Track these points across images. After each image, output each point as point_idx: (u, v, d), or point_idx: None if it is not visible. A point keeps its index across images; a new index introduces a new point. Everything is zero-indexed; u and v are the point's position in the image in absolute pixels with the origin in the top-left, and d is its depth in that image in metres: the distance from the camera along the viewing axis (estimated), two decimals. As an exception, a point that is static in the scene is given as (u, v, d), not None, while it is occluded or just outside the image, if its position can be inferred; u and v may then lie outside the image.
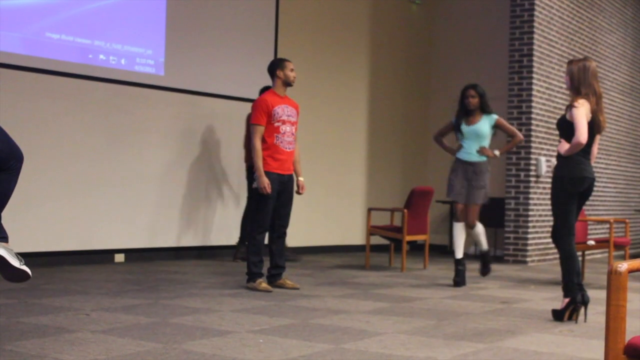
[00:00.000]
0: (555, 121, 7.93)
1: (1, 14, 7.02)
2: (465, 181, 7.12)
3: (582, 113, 5.15)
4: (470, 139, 7.12)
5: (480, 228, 7.18)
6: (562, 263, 5.28)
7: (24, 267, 3.42)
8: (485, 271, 7.41)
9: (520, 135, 7.32)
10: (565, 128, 5.27)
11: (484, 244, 7.29)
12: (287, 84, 6.46)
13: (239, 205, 9.09)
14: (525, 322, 5.12)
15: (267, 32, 9.60)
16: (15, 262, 3.38)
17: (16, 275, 3.43)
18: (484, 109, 7.15)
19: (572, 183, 5.23)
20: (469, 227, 7.12)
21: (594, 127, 5.24)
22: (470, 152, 7.14)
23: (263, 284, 6.25)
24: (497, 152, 7.17)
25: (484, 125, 7.12)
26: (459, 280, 7.02)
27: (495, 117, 7.16)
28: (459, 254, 7.09)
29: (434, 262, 9.51)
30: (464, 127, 7.11)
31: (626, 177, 13.17)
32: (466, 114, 7.16)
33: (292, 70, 6.46)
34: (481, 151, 7.10)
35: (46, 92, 7.42)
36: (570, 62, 5.38)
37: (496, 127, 7.18)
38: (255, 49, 9.41)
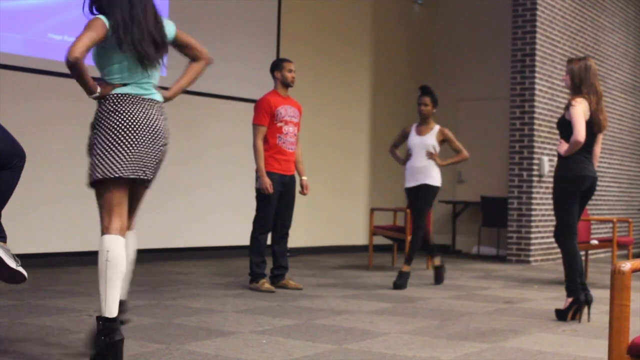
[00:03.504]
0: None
1: (3, 15, 7.02)
2: None
3: (579, 111, 5.14)
4: None
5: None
6: (565, 263, 5.28)
7: (20, 269, 3.40)
8: None
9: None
10: (565, 128, 5.27)
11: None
12: (286, 84, 6.46)
13: (242, 205, 9.08)
14: (529, 321, 5.12)
15: (269, 32, 9.60)
16: (11, 263, 3.36)
17: (11, 276, 3.41)
18: None
19: (574, 182, 5.23)
20: None
21: (594, 126, 5.24)
22: None
23: (266, 284, 6.25)
24: None
25: None
26: None
27: None
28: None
29: (436, 262, 9.51)
30: None
31: (629, 176, 13.16)
32: None
33: (290, 70, 6.45)
34: None
35: (49, 93, 7.43)
36: (570, 61, 5.38)
37: None
38: (257, 50, 9.41)
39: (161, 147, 3.51)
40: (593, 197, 9.64)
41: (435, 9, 12.32)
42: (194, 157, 8.81)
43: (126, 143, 3.39)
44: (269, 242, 6.49)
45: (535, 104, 9.90)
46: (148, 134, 3.44)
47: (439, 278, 7.19)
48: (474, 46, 11.83)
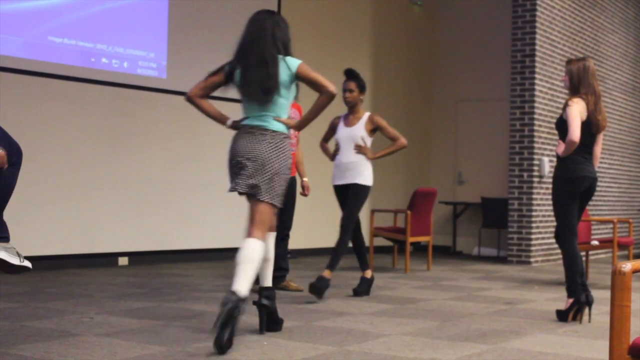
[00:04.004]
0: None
1: (4, 18, 7.03)
2: None
3: (575, 111, 5.14)
4: None
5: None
6: (566, 263, 5.28)
7: (25, 264, 3.49)
8: None
9: None
10: (562, 128, 5.27)
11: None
12: None
13: (242, 207, 9.07)
14: (529, 322, 5.12)
15: (269, 34, 9.59)
16: (15, 261, 3.44)
17: (16, 271, 3.49)
18: None
19: (572, 183, 5.23)
20: None
21: (592, 127, 5.23)
22: None
23: (267, 286, 6.25)
24: None
25: None
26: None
27: None
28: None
29: (437, 263, 9.51)
30: None
31: (629, 176, 13.16)
32: None
33: None
34: None
35: (49, 96, 7.43)
36: (569, 62, 5.39)
37: None
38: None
39: (243, 162, 4.19)
40: (593, 198, 9.65)
41: (435, 10, 12.32)
42: (193, 159, 8.81)
43: (228, 166, 4.32)
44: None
45: (535, 104, 9.90)
46: (233, 155, 4.25)
47: (360, 290, 6.23)
48: (474, 47, 11.83)
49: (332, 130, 6.53)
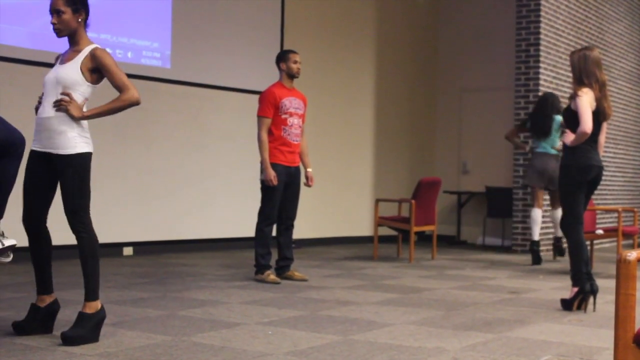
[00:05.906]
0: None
1: (7, 8, 7.02)
2: None
3: (586, 102, 5.12)
4: None
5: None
6: (571, 252, 5.27)
7: (8, 242, 3.49)
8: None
9: None
10: (570, 118, 5.26)
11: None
12: (291, 75, 6.45)
13: (247, 197, 9.09)
14: (534, 311, 5.12)
15: (274, 24, 9.58)
16: None
17: (2, 255, 3.51)
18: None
19: (579, 172, 5.22)
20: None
21: (600, 115, 5.22)
22: None
23: (271, 275, 6.26)
24: None
25: None
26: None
27: None
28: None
29: (442, 253, 9.51)
30: None
31: (634, 165, 13.13)
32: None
33: (295, 62, 6.44)
34: None
35: (53, 86, 7.42)
36: (572, 53, 5.39)
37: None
38: (261, 41, 9.39)
39: (549, 174, 8.29)
40: (598, 187, 9.62)
41: (439, 0, 12.27)
42: (199, 149, 8.81)
43: (529, 173, 8.53)
44: (274, 233, 6.50)
45: (540, 94, 9.86)
46: (538, 166, 8.37)
47: (71, 334, 3.70)
48: (478, 36, 11.79)
49: None
